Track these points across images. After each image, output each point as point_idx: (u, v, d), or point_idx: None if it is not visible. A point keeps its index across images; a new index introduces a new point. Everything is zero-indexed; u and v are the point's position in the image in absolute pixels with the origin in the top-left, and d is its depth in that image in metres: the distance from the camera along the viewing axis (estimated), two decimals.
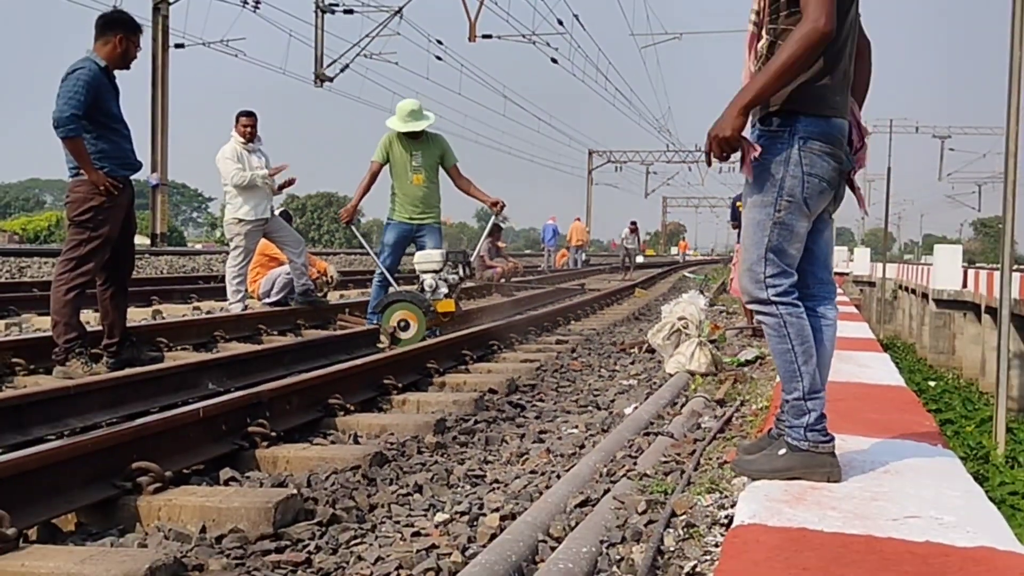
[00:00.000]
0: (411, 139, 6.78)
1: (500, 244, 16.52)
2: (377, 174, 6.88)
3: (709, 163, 2.34)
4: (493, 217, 7.40)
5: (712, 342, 5.76)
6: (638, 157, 54.70)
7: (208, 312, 7.67)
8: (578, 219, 27.61)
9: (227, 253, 8.27)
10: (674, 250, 66.24)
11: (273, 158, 7.96)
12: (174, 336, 5.74)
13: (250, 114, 7.77)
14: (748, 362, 5.71)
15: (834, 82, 2.33)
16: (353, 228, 7.22)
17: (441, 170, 6.93)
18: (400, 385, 4.50)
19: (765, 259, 2.36)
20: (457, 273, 6.65)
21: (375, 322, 6.60)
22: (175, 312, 7.83)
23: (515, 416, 4.18)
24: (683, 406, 4.19)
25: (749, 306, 2.47)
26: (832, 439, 2.39)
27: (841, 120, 2.37)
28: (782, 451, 2.38)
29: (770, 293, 2.37)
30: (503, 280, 14.27)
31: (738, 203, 8.13)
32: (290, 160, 8.20)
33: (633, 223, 22.98)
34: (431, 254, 6.67)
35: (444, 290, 6.53)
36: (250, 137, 7.71)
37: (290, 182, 8.10)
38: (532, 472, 3.11)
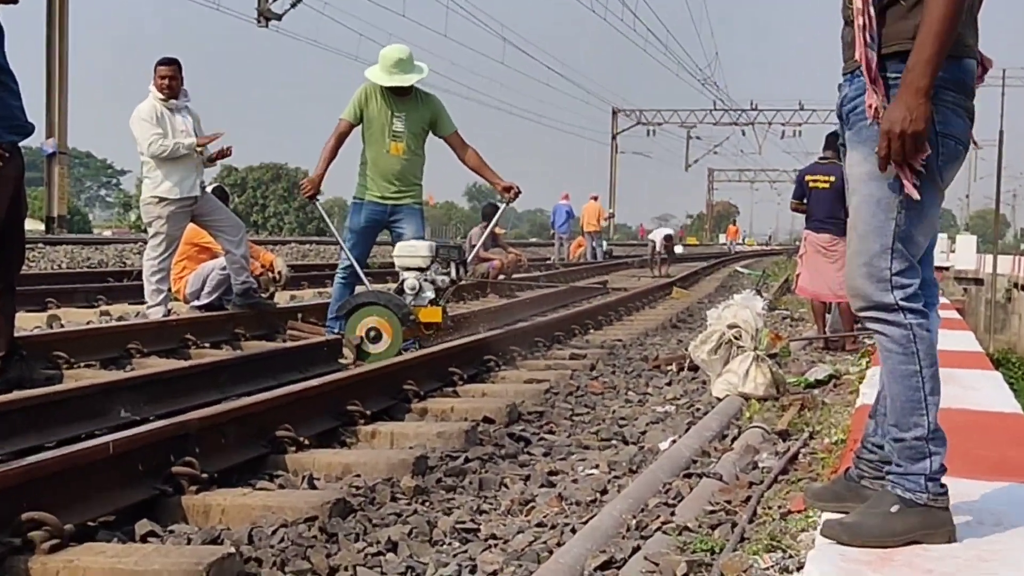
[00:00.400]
0: (396, 96, 6.76)
1: (498, 230, 16.53)
2: (345, 135, 6.84)
3: (883, 168, 2.26)
4: (503, 205, 7.48)
5: (772, 357, 5.76)
6: (676, 118, 54.93)
7: (120, 318, 7.67)
8: (594, 198, 27.56)
9: (144, 242, 8.28)
10: (722, 237, 66.38)
11: (205, 121, 7.97)
12: (76, 349, 5.74)
13: (171, 62, 7.75)
14: (819, 382, 5.71)
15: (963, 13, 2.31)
16: (318, 205, 7.16)
17: (430, 140, 6.92)
18: (369, 413, 4.50)
19: (892, 250, 2.32)
20: (448, 274, 6.61)
21: (337, 331, 6.61)
22: (78, 318, 7.83)
23: (517, 453, 4.19)
24: (735, 440, 4.20)
25: (864, 314, 2.41)
26: (947, 490, 2.35)
27: (972, 60, 2.38)
28: (895, 508, 2.31)
29: (897, 296, 2.33)
30: (502, 276, 14.28)
31: (808, 177, 8.09)
32: (226, 124, 8.24)
33: (668, 236, 23.43)
34: (416, 247, 6.58)
35: (430, 294, 6.49)
36: (172, 93, 7.70)
37: (226, 152, 8.09)
38: (539, 525, 3.11)
